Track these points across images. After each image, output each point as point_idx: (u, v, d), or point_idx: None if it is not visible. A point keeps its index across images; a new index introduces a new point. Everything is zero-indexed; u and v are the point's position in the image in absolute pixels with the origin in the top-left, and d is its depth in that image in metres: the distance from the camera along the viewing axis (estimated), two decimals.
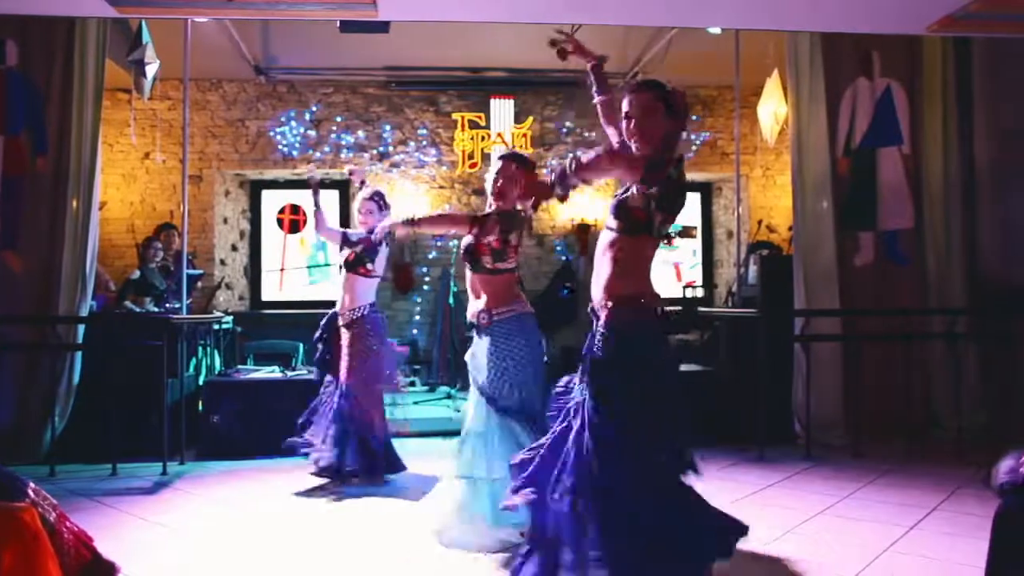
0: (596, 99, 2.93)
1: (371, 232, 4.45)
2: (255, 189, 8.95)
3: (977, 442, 5.22)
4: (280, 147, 8.42)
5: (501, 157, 3.57)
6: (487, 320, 3.39)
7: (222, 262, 8.56)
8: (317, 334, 4.66)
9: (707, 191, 9.31)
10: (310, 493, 4.24)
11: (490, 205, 3.52)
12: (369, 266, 4.50)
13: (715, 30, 5.95)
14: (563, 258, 8.63)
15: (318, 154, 8.49)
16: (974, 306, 5.66)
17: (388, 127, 8.56)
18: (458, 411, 6.03)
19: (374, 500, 4.08)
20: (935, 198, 5.79)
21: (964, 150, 5.87)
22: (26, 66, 5.23)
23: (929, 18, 4.68)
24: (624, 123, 2.55)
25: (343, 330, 4.49)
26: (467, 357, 3.49)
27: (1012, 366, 5.49)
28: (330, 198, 8.63)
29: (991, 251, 5.83)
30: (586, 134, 8.75)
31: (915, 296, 5.73)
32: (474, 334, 3.47)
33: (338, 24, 6.02)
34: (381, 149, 8.57)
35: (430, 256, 8.51)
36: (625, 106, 2.55)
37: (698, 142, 8.80)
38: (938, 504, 3.87)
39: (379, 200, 4.56)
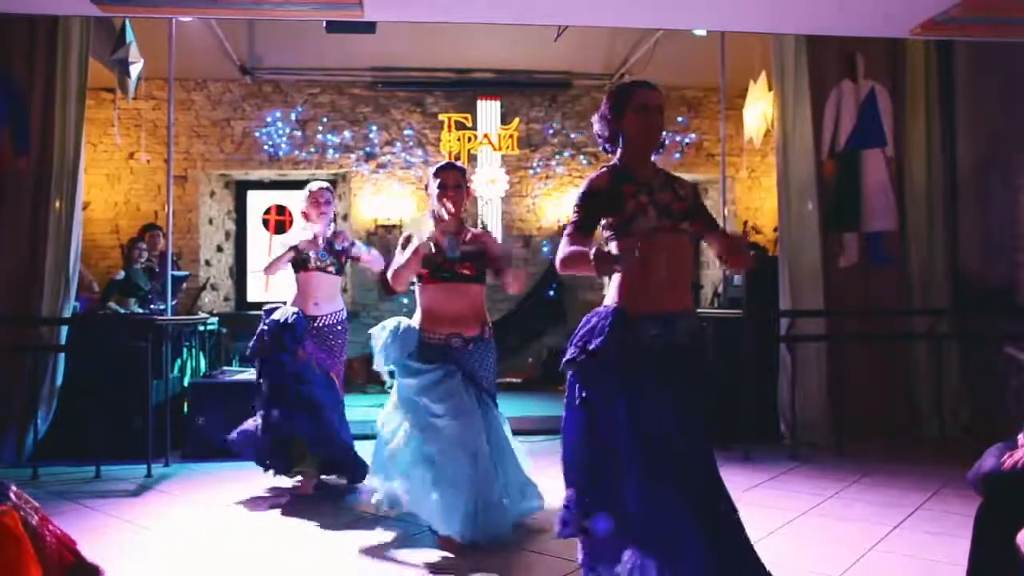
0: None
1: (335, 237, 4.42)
2: (240, 190, 8.92)
3: (959, 441, 5.28)
4: (266, 147, 8.39)
5: (445, 168, 3.55)
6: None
7: (207, 263, 8.52)
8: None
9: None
10: (296, 495, 4.22)
11: (435, 213, 3.51)
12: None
13: (700, 32, 5.97)
14: (549, 259, 8.65)
15: (304, 155, 8.47)
16: (956, 306, 5.71)
17: (374, 128, 8.55)
18: None
19: (359, 500, 4.07)
20: (918, 199, 5.85)
21: (947, 152, 5.93)
22: (8, 65, 5.17)
23: (912, 21, 4.72)
24: (644, 117, 2.46)
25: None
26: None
27: (993, 365, 5.55)
28: None
29: (973, 252, 5.88)
30: (572, 135, 8.77)
31: (898, 297, 5.78)
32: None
33: (324, 24, 6.01)
34: (368, 150, 8.56)
35: None
36: (648, 99, 2.48)
37: (684, 144, 8.84)
38: (921, 503, 3.90)
39: (332, 191, 4.48)
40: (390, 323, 3.45)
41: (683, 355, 2.43)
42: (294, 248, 4.36)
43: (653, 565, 2.22)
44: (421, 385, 3.33)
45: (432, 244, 3.42)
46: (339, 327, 4.45)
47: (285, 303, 4.40)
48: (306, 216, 4.42)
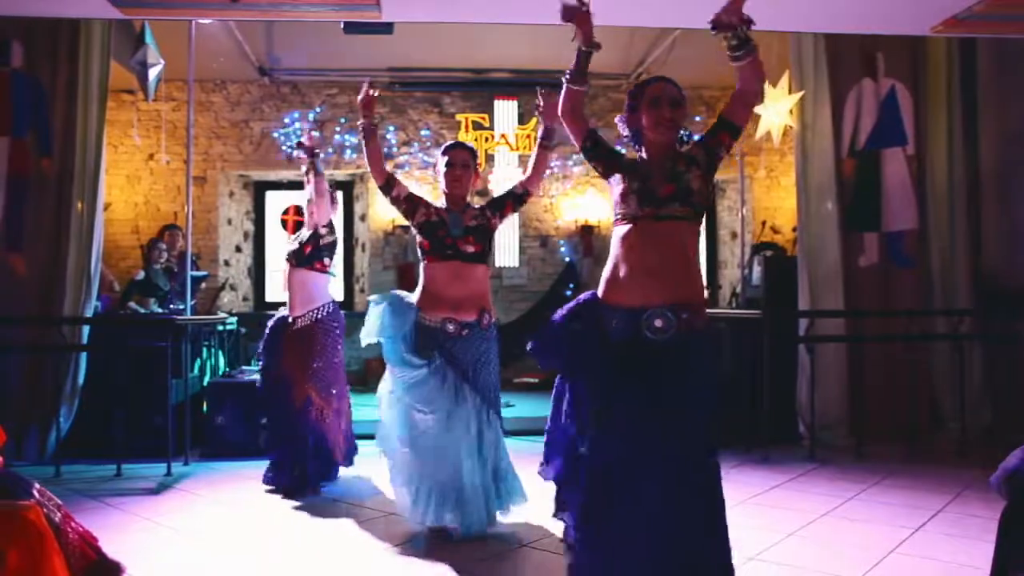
0: (577, 87, 2.63)
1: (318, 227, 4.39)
2: (259, 190, 8.97)
3: (981, 443, 5.22)
4: (284, 148, 8.44)
5: (453, 147, 3.57)
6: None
7: (226, 263, 8.57)
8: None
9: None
10: (315, 493, 4.23)
11: (443, 193, 3.55)
12: (326, 261, 4.42)
13: None
14: (567, 259, 8.63)
15: (322, 155, 8.48)
16: (978, 307, 5.65)
17: (392, 128, 8.58)
18: None
19: (378, 499, 4.08)
20: (940, 199, 5.78)
21: (969, 151, 5.86)
22: (31, 67, 5.24)
23: (933, 19, 4.67)
24: (654, 111, 2.47)
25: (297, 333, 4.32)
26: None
27: (1016, 367, 5.48)
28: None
29: (996, 252, 5.81)
30: None
31: (919, 297, 5.71)
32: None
33: (342, 25, 6.03)
34: (385, 150, 8.58)
35: None
36: (658, 92, 2.49)
37: None
38: (943, 506, 3.86)
39: (331, 190, 4.51)
40: (387, 296, 3.43)
41: (663, 353, 2.31)
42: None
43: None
44: (405, 384, 3.33)
45: (436, 216, 3.45)
46: (320, 326, 4.31)
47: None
48: (287, 223, 4.52)
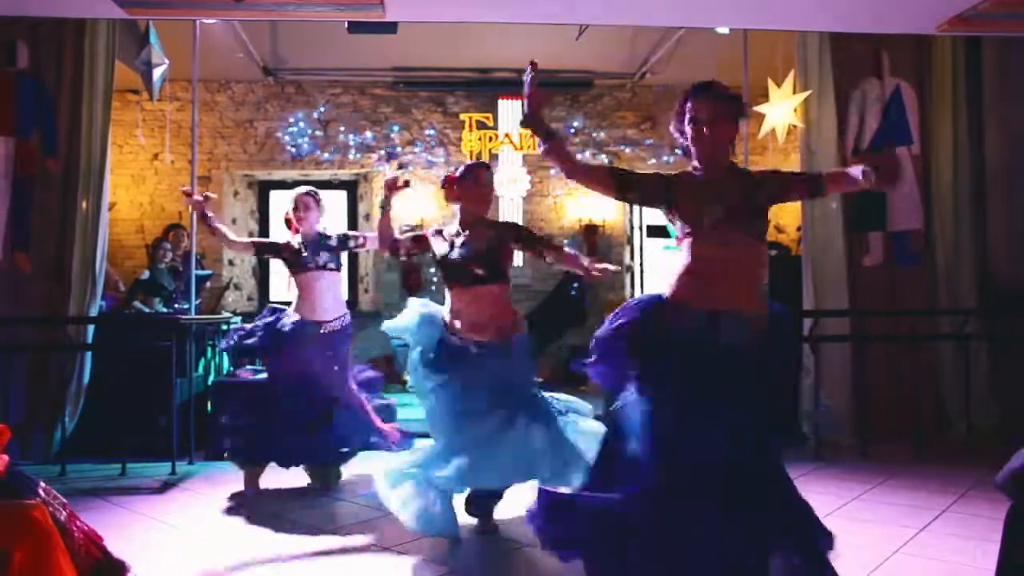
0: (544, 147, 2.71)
1: (318, 233, 4.38)
2: (263, 190, 8.99)
3: (987, 443, 5.21)
4: (288, 148, 8.45)
5: (478, 166, 3.58)
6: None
7: (231, 263, 8.59)
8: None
9: None
10: (319, 493, 4.25)
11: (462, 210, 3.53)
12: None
13: (723, 30, 5.93)
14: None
15: (326, 155, 8.51)
16: (984, 306, 5.63)
17: (396, 128, 8.58)
18: None
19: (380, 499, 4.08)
20: (945, 198, 5.76)
21: (974, 150, 5.84)
22: (36, 68, 5.25)
23: (939, 18, 4.66)
24: (692, 128, 2.50)
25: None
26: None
27: (1022, 366, 5.46)
28: (338, 199, 8.67)
29: (1001, 251, 5.79)
30: (594, 134, 8.75)
31: (924, 297, 5.70)
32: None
33: (346, 25, 6.03)
34: (389, 150, 8.59)
35: None
36: (693, 113, 2.52)
37: None
38: (948, 506, 3.85)
39: (316, 196, 4.49)
40: (417, 305, 3.51)
41: (734, 357, 2.35)
42: (264, 245, 4.62)
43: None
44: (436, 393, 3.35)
45: (447, 244, 3.47)
46: (343, 334, 4.35)
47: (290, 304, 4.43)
48: (291, 223, 4.48)
